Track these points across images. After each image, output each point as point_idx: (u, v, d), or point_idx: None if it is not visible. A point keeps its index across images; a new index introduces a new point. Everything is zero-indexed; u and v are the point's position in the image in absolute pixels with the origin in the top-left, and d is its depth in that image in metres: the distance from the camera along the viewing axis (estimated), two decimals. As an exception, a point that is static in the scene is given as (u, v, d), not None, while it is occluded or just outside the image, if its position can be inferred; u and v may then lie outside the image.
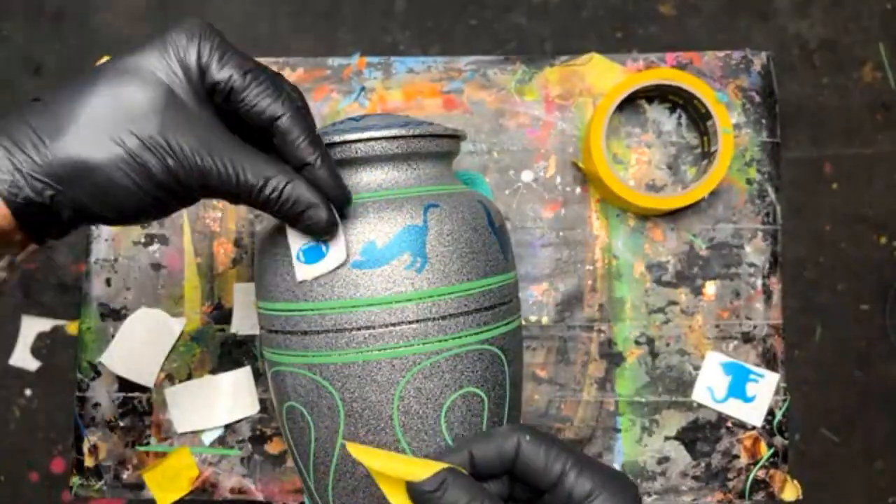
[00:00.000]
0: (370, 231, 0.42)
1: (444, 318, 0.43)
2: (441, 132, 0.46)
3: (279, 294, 0.44)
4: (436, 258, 0.43)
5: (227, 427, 0.64)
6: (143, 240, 0.66)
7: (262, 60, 0.67)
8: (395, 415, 0.42)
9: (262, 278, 0.46)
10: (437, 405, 0.43)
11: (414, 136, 0.45)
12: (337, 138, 0.44)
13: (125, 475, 0.64)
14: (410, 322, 0.42)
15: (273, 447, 0.63)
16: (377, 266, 0.42)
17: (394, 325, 0.42)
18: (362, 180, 0.45)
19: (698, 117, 0.63)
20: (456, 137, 0.48)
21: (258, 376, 0.64)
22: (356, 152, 0.44)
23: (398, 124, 0.46)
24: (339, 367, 0.42)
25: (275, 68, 0.67)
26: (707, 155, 0.63)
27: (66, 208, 0.37)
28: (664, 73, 0.61)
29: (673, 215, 0.65)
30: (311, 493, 0.46)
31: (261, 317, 0.47)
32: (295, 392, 0.45)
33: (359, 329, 0.42)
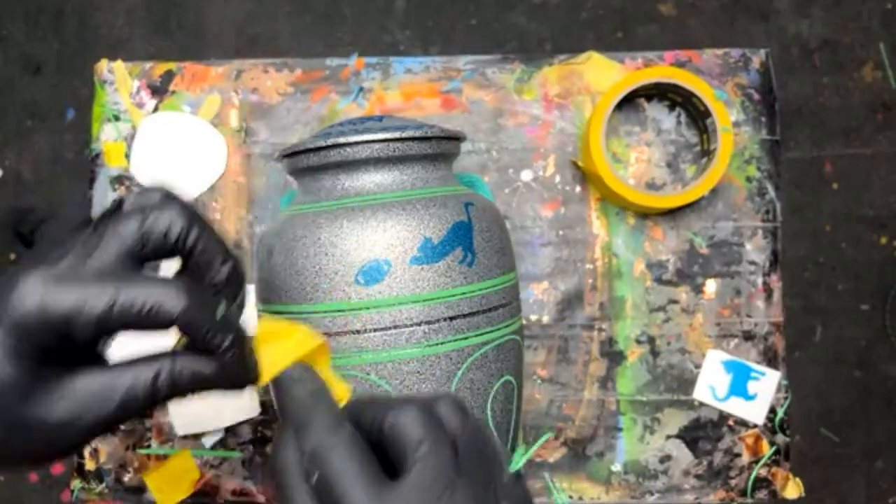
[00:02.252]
0: (424, 227, 0.43)
1: (491, 309, 0.45)
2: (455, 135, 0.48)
3: (325, 295, 0.44)
4: (481, 253, 0.44)
5: (228, 430, 0.64)
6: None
7: (261, 62, 0.67)
8: None
9: (295, 280, 0.45)
10: (486, 394, 0.44)
11: (444, 138, 0.47)
12: (382, 136, 0.45)
13: (126, 478, 0.64)
14: (465, 315, 0.43)
15: (273, 448, 0.63)
16: (435, 261, 0.43)
17: (451, 318, 0.43)
18: (395, 179, 0.46)
19: (697, 115, 0.63)
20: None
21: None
22: (398, 151, 0.45)
23: (419, 126, 0.47)
24: (396, 365, 0.43)
25: (272, 69, 0.67)
26: (706, 153, 0.63)
27: None
28: (663, 71, 0.61)
29: (673, 213, 0.65)
30: None
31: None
32: None
33: (418, 324, 0.43)
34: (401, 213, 0.44)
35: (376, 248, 0.43)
